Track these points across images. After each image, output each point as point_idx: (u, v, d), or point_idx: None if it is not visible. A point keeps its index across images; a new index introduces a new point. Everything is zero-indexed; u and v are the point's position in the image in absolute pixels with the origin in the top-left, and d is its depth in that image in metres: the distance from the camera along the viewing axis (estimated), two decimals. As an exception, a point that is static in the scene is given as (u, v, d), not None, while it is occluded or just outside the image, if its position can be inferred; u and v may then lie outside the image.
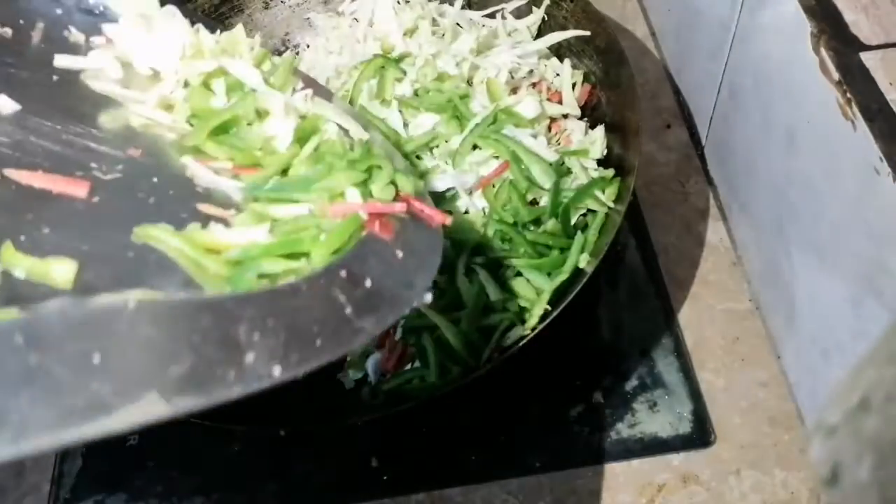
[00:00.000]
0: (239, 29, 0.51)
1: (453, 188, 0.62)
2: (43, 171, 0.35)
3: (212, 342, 0.29)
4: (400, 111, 0.65)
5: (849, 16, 0.47)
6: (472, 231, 0.60)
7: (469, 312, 0.57)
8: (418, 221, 0.44)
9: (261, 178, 0.43)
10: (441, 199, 0.63)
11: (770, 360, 0.64)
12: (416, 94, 0.67)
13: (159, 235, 0.34)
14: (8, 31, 0.45)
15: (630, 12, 0.89)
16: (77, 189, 0.35)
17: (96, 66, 0.46)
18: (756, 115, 0.61)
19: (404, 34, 0.72)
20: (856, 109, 0.44)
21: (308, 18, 0.80)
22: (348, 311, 0.34)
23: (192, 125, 0.46)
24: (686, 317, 0.67)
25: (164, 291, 0.29)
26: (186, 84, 0.48)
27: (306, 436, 0.63)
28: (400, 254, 0.40)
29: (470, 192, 0.63)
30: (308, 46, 0.79)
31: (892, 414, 0.42)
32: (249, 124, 0.47)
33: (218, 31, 0.51)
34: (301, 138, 0.46)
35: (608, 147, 0.64)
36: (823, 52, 0.47)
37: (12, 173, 0.35)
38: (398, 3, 0.75)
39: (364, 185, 0.43)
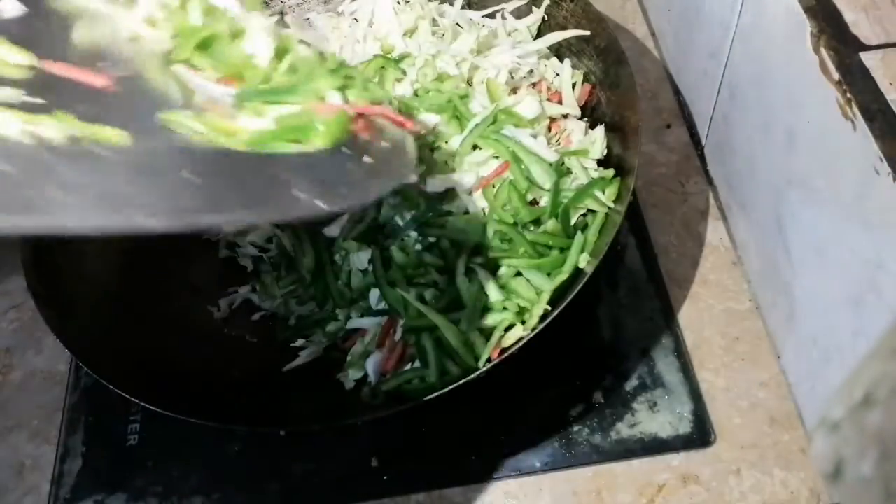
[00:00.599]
0: None
1: (453, 188, 0.62)
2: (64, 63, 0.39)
3: (261, 178, 0.38)
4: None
5: (849, 16, 0.47)
6: (472, 231, 0.60)
7: (469, 312, 0.57)
8: (392, 125, 0.50)
9: (250, 86, 0.46)
10: (441, 199, 0.63)
11: (770, 360, 0.64)
12: (415, 94, 0.67)
13: (182, 120, 0.38)
14: None
15: (630, 12, 0.89)
16: (98, 80, 0.39)
17: None
18: (756, 115, 0.61)
19: (404, 34, 0.72)
20: (856, 109, 0.44)
21: (308, 18, 0.80)
22: (358, 175, 0.42)
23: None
24: (686, 317, 0.67)
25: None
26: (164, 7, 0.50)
27: (306, 436, 0.63)
28: (384, 145, 0.47)
29: (470, 192, 0.63)
30: (308, 46, 0.79)
31: (895, 408, 0.42)
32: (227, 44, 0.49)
33: None
34: (276, 56, 0.49)
35: (608, 147, 0.64)
36: (823, 52, 0.47)
37: (43, 63, 0.38)
38: (398, 3, 0.75)
39: (342, 91, 0.47)
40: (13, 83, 0.36)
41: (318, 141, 0.42)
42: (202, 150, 0.37)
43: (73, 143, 0.33)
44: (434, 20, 0.74)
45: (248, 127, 0.42)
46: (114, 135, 0.35)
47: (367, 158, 0.43)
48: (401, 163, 0.48)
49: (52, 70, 0.38)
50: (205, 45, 0.47)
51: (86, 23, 0.45)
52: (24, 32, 0.40)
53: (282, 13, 0.80)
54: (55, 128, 0.34)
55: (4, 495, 0.64)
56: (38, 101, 0.35)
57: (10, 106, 0.34)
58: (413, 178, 0.50)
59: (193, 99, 0.43)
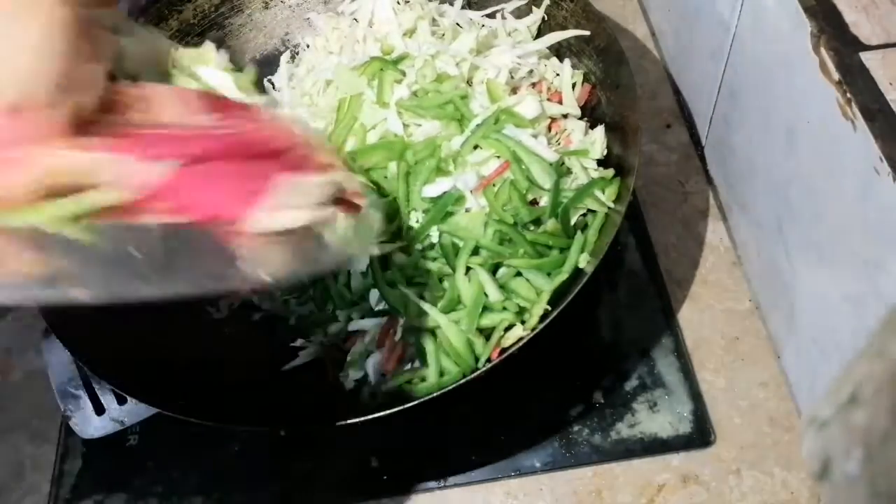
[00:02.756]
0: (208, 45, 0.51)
1: (454, 188, 0.62)
2: None
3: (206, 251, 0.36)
4: (399, 113, 0.65)
5: (849, 16, 0.47)
6: (472, 231, 0.60)
7: (469, 312, 0.57)
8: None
9: None
10: (441, 200, 0.63)
11: (770, 360, 0.64)
12: (415, 94, 0.67)
13: None
14: None
15: (630, 12, 0.89)
16: None
17: None
18: (756, 115, 0.61)
19: (404, 34, 0.72)
20: (856, 109, 0.44)
21: (308, 18, 0.80)
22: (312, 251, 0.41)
23: None
24: (686, 317, 0.67)
25: None
26: None
27: (306, 436, 0.63)
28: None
29: (470, 192, 0.63)
30: (308, 46, 0.79)
31: (880, 407, 0.42)
32: None
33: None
34: None
35: (608, 147, 0.64)
36: (823, 52, 0.47)
37: None
38: (398, 3, 0.75)
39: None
40: None
41: None
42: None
43: None
44: (434, 20, 0.73)
45: None
46: None
47: (327, 236, 0.41)
48: (362, 238, 0.45)
49: None
50: None
51: None
52: None
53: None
54: None
55: (4, 495, 0.64)
56: None
57: None
58: (375, 251, 0.52)
59: None
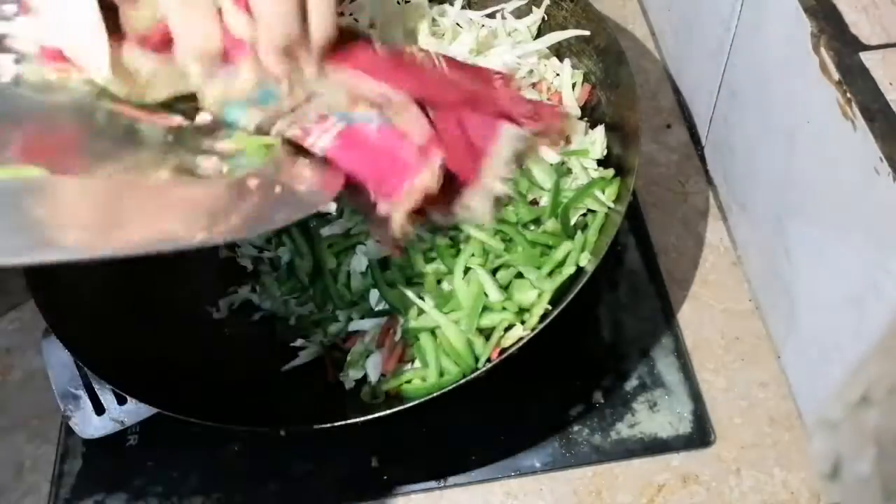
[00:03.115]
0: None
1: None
2: None
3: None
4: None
5: (849, 16, 0.47)
6: (472, 231, 0.60)
7: (469, 312, 0.57)
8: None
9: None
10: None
11: (770, 360, 0.64)
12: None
13: None
14: None
15: (630, 12, 0.89)
16: None
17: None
18: (756, 115, 0.61)
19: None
20: (856, 109, 0.44)
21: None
22: (254, 206, 0.41)
23: None
24: (686, 317, 0.67)
25: None
26: None
27: (306, 436, 0.63)
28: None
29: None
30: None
31: (893, 407, 0.42)
32: None
33: None
34: None
35: (608, 147, 0.64)
36: (823, 52, 0.47)
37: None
38: (398, 3, 0.75)
39: None
40: None
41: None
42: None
43: None
44: (434, 20, 0.73)
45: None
46: None
47: (276, 188, 0.42)
48: (313, 192, 0.44)
49: None
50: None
51: None
52: None
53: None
54: None
55: (4, 495, 0.64)
56: None
57: None
58: (331, 207, 0.50)
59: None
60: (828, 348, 0.54)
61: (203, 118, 0.45)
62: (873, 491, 0.45)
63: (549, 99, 0.69)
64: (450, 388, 0.51)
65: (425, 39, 0.71)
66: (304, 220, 0.66)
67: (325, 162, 0.45)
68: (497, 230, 0.59)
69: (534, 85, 0.69)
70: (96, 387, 0.62)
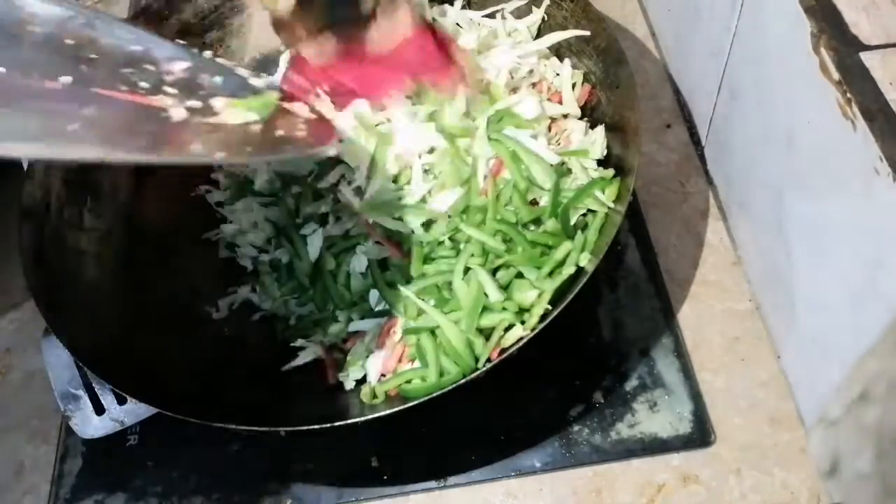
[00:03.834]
0: None
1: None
2: None
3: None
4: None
5: (849, 16, 0.47)
6: (472, 231, 0.60)
7: (469, 312, 0.57)
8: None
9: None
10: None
11: (770, 360, 0.64)
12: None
13: None
14: None
15: (630, 12, 0.89)
16: None
17: None
18: (756, 115, 0.61)
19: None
20: (856, 109, 0.44)
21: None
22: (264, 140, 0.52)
23: None
24: (686, 317, 0.67)
25: None
26: None
27: (306, 436, 0.63)
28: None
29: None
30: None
31: (892, 405, 0.42)
32: None
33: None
34: None
35: (608, 147, 0.64)
36: (823, 52, 0.47)
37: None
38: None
39: None
40: None
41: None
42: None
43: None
44: (434, 20, 0.73)
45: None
46: None
47: (278, 132, 0.52)
48: (310, 137, 0.54)
49: None
50: None
51: None
52: None
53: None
54: None
55: (4, 495, 0.64)
56: None
57: None
58: (332, 151, 0.57)
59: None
60: (828, 348, 0.54)
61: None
62: (872, 488, 0.45)
63: (549, 99, 0.69)
64: (450, 388, 0.51)
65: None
66: (301, 224, 0.66)
67: (320, 120, 0.58)
68: (497, 230, 0.59)
69: (534, 85, 0.69)
70: (96, 387, 0.62)
